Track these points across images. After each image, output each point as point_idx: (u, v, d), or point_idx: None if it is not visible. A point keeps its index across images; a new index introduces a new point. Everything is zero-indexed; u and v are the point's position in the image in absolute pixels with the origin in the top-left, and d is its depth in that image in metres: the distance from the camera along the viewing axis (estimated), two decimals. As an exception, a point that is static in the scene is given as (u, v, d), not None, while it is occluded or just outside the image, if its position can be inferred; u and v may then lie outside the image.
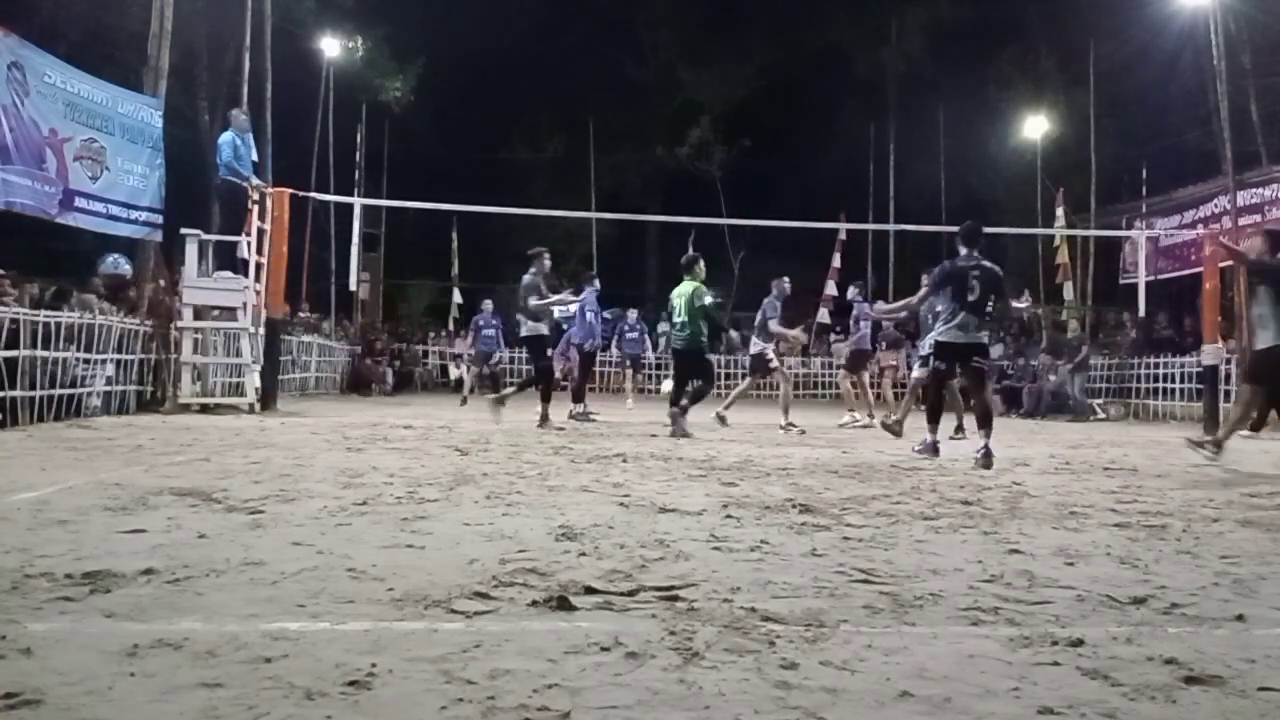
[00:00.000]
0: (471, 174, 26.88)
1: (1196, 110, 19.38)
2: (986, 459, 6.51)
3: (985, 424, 6.80)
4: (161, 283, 11.27)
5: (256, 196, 10.99)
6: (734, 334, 13.21)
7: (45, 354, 8.09)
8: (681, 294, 9.25)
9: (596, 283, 12.68)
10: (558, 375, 12.51)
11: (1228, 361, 12.89)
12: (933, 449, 7.15)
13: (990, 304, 6.92)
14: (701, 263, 9.47)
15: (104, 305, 9.88)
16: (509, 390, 10.56)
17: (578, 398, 11.80)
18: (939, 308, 7.31)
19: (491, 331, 14.94)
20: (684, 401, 9.08)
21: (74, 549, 3.03)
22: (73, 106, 10.05)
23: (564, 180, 27.14)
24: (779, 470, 6.04)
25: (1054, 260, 21.12)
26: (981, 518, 4.20)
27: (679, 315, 9.23)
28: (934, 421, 7.25)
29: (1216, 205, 18.87)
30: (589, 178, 25.64)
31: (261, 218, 11.00)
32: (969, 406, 8.63)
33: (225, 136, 11.22)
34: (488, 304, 15.40)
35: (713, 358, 10.19)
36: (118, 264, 11.03)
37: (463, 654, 2.07)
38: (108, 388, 9.10)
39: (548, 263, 10.09)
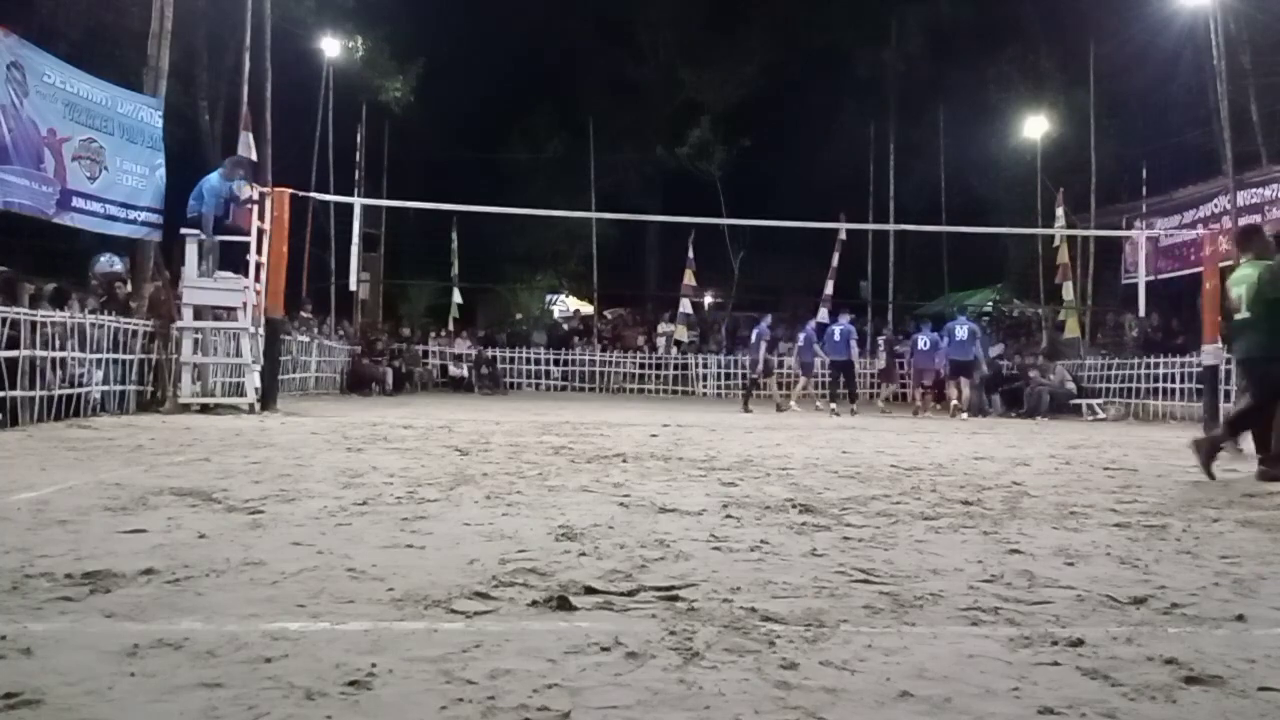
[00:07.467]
0: (471, 174, 26.90)
1: (1196, 110, 19.38)
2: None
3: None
4: (161, 283, 11.26)
5: (216, 240, 10.67)
6: None
7: (44, 354, 8.08)
8: (1245, 279, 6.57)
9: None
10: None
11: (1227, 362, 12.86)
12: None
13: None
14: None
15: (96, 305, 9.85)
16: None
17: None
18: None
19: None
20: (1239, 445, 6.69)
21: (74, 549, 3.03)
22: (72, 106, 10.03)
23: (564, 180, 27.14)
24: (779, 470, 6.04)
25: (1054, 260, 21.12)
26: (981, 518, 4.19)
27: (1242, 312, 6.60)
28: None
29: (1216, 205, 18.86)
30: (589, 178, 25.64)
31: (261, 218, 10.99)
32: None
33: (211, 180, 10.82)
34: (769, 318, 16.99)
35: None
36: (112, 262, 10.93)
37: (463, 654, 2.07)
38: (83, 389, 8.83)
39: None
